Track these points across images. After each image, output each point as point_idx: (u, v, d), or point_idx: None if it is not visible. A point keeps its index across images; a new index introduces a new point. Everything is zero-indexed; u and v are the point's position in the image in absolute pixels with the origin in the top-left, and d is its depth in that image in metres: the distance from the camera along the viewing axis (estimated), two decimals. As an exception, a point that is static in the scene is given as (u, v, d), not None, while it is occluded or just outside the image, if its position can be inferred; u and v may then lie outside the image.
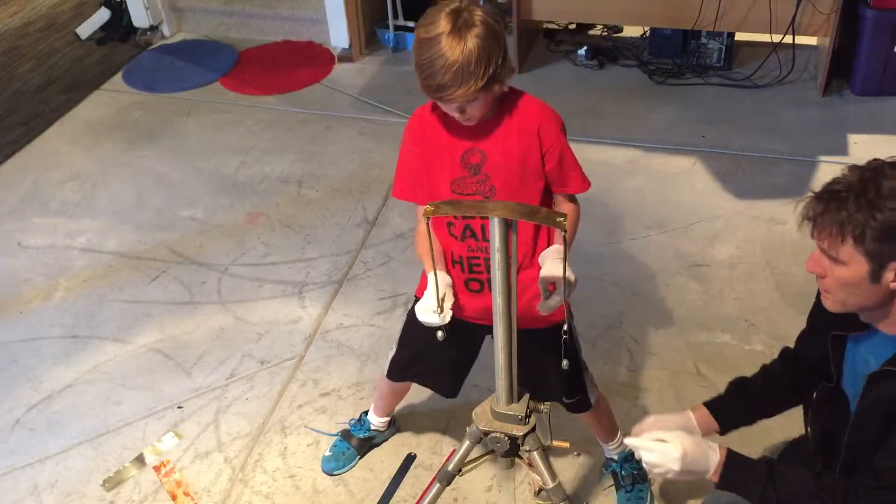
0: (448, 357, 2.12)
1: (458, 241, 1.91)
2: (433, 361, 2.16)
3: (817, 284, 1.56)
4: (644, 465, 1.62)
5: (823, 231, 1.45)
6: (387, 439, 2.57)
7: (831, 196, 1.44)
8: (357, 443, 2.51)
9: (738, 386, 1.87)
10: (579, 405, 2.14)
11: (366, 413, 2.52)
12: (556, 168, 1.86)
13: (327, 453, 2.51)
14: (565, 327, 1.69)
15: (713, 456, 1.57)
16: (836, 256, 1.45)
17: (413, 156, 1.91)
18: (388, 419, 2.51)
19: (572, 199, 1.94)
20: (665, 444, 1.57)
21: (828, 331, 1.66)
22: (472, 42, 1.62)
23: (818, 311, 1.71)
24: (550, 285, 1.75)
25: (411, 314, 2.17)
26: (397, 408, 2.52)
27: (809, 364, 1.77)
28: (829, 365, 1.68)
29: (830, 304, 1.54)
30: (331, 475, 2.48)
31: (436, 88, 1.67)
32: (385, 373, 2.28)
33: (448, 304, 1.81)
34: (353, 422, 2.54)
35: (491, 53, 1.65)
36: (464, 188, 1.86)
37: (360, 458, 2.51)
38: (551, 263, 1.76)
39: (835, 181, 1.46)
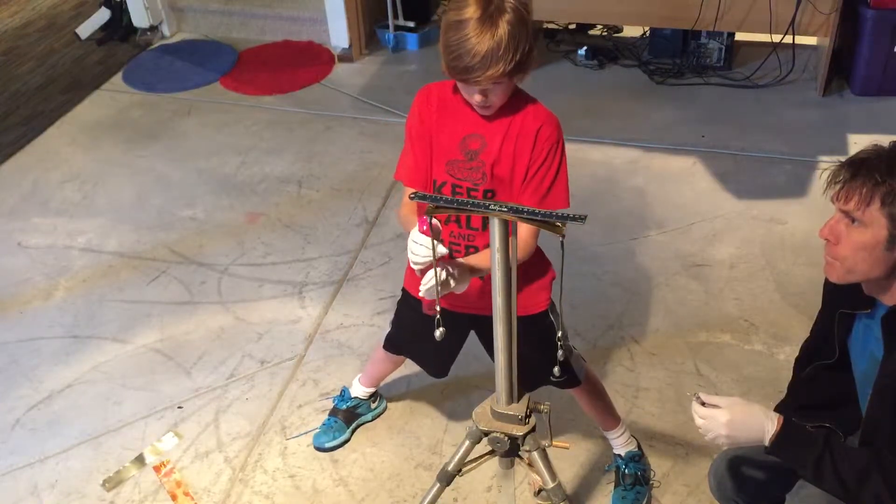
0: (433, 344, 2.12)
1: (441, 224, 1.91)
2: (420, 346, 2.24)
3: (826, 253, 1.57)
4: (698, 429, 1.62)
5: (852, 192, 1.48)
6: (376, 414, 2.62)
7: (862, 163, 1.48)
8: (343, 415, 2.56)
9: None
10: (567, 382, 2.15)
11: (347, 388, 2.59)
12: (536, 174, 1.82)
13: (317, 430, 2.56)
14: (559, 336, 1.72)
15: (769, 424, 1.55)
16: (860, 217, 1.47)
17: (419, 138, 1.89)
18: (371, 390, 2.56)
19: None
20: (715, 410, 1.58)
21: (835, 310, 1.69)
22: (503, 28, 1.64)
23: (826, 294, 1.76)
24: None
25: (401, 303, 2.24)
26: (397, 410, 2.52)
27: (818, 342, 1.80)
28: (831, 342, 1.71)
29: (836, 274, 1.56)
30: (323, 449, 2.53)
31: (463, 70, 1.68)
32: (381, 344, 2.39)
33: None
34: (335, 397, 2.60)
35: (520, 40, 1.66)
36: (457, 172, 1.87)
37: (350, 433, 2.56)
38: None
39: (862, 152, 1.50)
